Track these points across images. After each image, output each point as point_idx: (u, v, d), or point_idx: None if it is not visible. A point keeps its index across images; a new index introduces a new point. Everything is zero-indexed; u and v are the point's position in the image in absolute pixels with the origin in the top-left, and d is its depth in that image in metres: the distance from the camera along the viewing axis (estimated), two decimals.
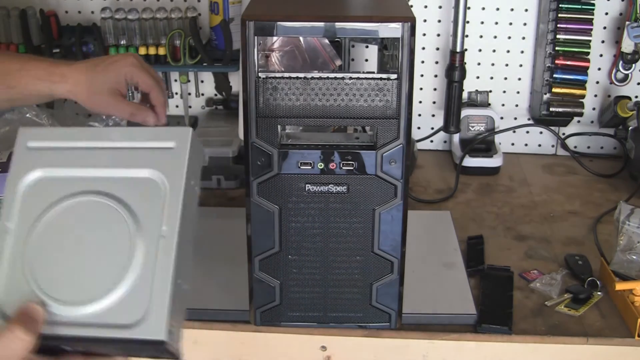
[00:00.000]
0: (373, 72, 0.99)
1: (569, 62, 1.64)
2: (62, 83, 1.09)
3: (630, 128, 1.60)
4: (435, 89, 1.76)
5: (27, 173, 0.74)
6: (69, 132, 0.77)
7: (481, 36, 1.71)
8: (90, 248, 0.70)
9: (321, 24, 0.96)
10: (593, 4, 1.62)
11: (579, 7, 1.62)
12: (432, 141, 1.78)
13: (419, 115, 1.77)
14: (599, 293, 1.22)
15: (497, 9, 1.68)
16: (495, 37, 1.71)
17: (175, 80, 1.74)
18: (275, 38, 1.08)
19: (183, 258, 0.70)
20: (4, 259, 0.71)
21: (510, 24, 1.69)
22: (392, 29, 0.96)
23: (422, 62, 1.73)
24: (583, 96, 1.66)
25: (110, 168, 0.72)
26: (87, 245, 0.70)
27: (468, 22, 1.65)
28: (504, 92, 1.75)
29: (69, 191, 0.72)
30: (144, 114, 1.11)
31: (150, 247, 0.70)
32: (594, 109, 1.74)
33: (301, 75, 0.98)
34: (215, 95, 1.79)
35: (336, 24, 0.96)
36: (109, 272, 0.69)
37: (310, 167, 1.02)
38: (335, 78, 0.98)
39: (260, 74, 0.98)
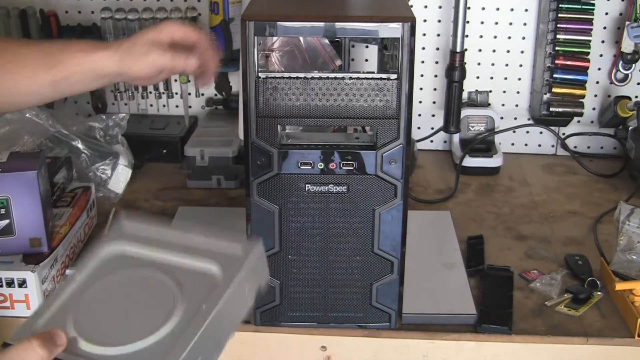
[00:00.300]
0: (373, 72, 0.99)
1: (569, 62, 1.64)
2: (105, 50, 1.06)
3: (630, 128, 1.60)
4: (435, 89, 1.76)
5: (112, 244, 0.82)
6: (163, 227, 0.85)
7: (481, 36, 1.71)
8: (133, 306, 0.77)
9: (321, 24, 0.96)
10: (593, 4, 1.62)
11: (579, 7, 1.62)
12: (432, 141, 1.78)
13: (419, 115, 1.77)
14: (599, 293, 1.22)
15: (497, 9, 1.68)
16: (495, 37, 1.71)
17: (175, 80, 1.73)
18: (275, 38, 1.08)
19: (211, 339, 0.76)
20: (58, 300, 0.77)
21: (510, 24, 1.69)
22: (392, 29, 0.96)
23: (422, 62, 1.73)
24: (583, 96, 1.66)
25: (180, 255, 0.80)
26: (131, 304, 0.77)
27: (468, 22, 1.65)
28: (504, 92, 1.75)
29: (134, 264, 0.80)
30: (182, 62, 1.06)
31: (185, 317, 0.75)
32: (594, 109, 1.74)
33: (301, 75, 0.98)
34: (215, 95, 1.79)
35: (336, 24, 0.96)
36: (140, 327, 0.75)
37: (310, 167, 1.02)
38: (335, 78, 0.98)
39: (260, 74, 0.98)
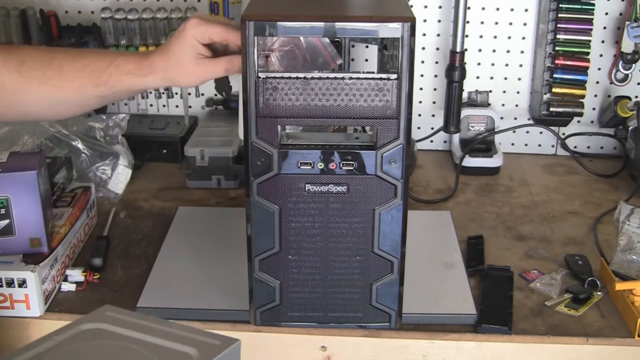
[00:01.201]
0: (373, 72, 0.99)
1: (569, 62, 1.64)
2: (152, 74, 1.09)
3: (630, 128, 1.60)
4: (435, 89, 1.76)
5: (92, 322, 0.82)
6: (145, 315, 0.84)
7: (481, 36, 1.71)
8: None
9: (321, 24, 0.96)
10: (593, 4, 1.62)
11: (579, 7, 1.62)
12: (432, 141, 1.78)
13: (419, 115, 1.77)
14: (599, 293, 1.22)
15: (497, 9, 1.68)
16: (495, 37, 1.71)
17: None
18: (275, 38, 1.08)
19: None
20: (31, 352, 0.77)
21: (510, 24, 1.69)
22: (392, 29, 0.96)
23: (422, 62, 1.73)
24: (583, 96, 1.66)
25: (161, 338, 0.79)
26: None
27: (468, 22, 1.65)
28: (504, 92, 1.75)
29: (117, 339, 0.80)
30: (237, 64, 1.08)
31: None
32: (594, 109, 1.74)
33: (301, 75, 0.98)
34: (215, 95, 1.79)
35: (336, 24, 0.96)
36: None
37: (310, 167, 1.01)
38: (335, 78, 0.98)
39: (260, 74, 0.98)
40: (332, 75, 0.98)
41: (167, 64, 1.09)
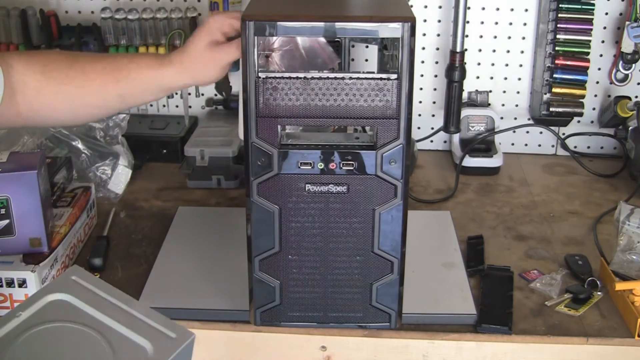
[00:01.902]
0: (373, 72, 0.99)
1: (569, 62, 1.64)
2: (170, 67, 1.11)
3: (630, 128, 1.60)
4: (435, 89, 1.76)
5: (57, 292, 0.83)
6: (110, 289, 0.85)
7: (481, 36, 1.71)
8: (69, 356, 0.78)
9: (321, 24, 0.96)
10: (593, 4, 1.62)
11: (579, 7, 1.62)
12: (432, 141, 1.78)
13: (419, 115, 1.77)
14: (599, 293, 1.22)
15: (497, 9, 1.68)
16: (495, 37, 1.71)
17: None
18: (274, 38, 1.08)
19: None
20: (3, 331, 0.78)
21: (510, 24, 1.69)
22: (392, 29, 0.96)
23: (422, 62, 1.73)
24: (583, 96, 1.66)
25: (119, 324, 0.80)
26: (65, 357, 0.78)
27: (468, 22, 1.65)
28: (504, 92, 1.75)
29: (79, 319, 0.81)
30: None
31: None
32: (594, 109, 1.74)
33: (301, 75, 0.98)
34: (215, 95, 1.79)
35: (336, 24, 0.96)
36: None
37: (310, 167, 1.02)
38: (335, 78, 0.98)
39: (260, 74, 0.98)
40: (332, 75, 0.98)
41: (183, 55, 1.10)
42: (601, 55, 1.69)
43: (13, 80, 1.07)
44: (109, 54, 1.18)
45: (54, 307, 0.81)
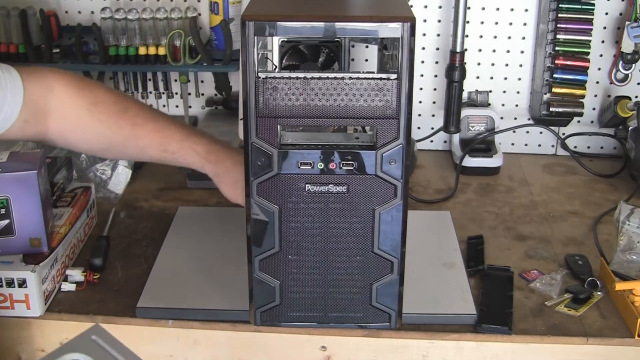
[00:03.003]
0: (373, 72, 0.99)
1: (569, 62, 1.65)
2: (215, 164, 1.17)
3: (630, 128, 1.60)
4: (435, 89, 1.76)
5: (75, 352, 0.82)
6: (128, 352, 0.84)
7: (481, 36, 1.71)
8: None
9: (321, 24, 0.96)
10: (593, 4, 1.62)
11: (579, 7, 1.62)
12: (432, 141, 1.78)
13: (419, 115, 1.77)
14: (599, 293, 1.22)
15: (497, 9, 1.68)
16: (495, 37, 1.71)
17: (175, 80, 1.73)
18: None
19: None
20: None
21: (510, 24, 1.69)
22: (392, 29, 0.96)
23: (422, 62, 1.73)
24: (583, 96, 1.66)
25: None
26: None
27: (468, 22, 1.65)
28: (504, 92, 1.75)
29: None
30: None
31: None
32: (594, 109, 1.74)
33: (301, 75, 0.98)
34: (215, 95, 1.79)
35: (336, 24, 0.96)
36: None
37: (310, 167, 1.01)
38: (335, 78, 0.98)
39: (259, 74, 0.98)
40: (332, 75, 0.98)
41: (230, 170, 1.16)
42: (601, 55, 1.69)
43: (51, 104, 1.08)
44: (157, 111, 1.21)
45: None
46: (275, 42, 1.19)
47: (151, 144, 1.16)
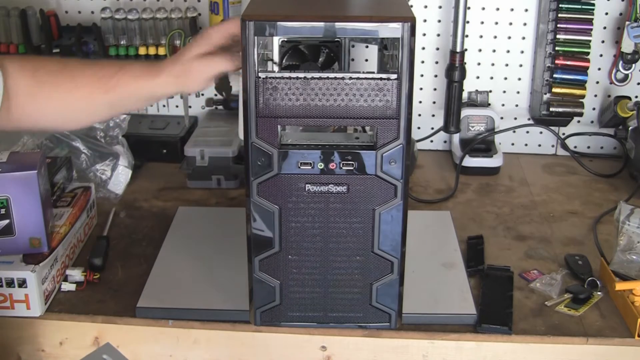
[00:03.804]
0: (373, 72, 0.99)
1: (569, 62, 1.65)
2: (159, 77, 1.09)
3: (630, 128, 1.60)
4: (435, 89, 1.76)
5: None
6: None
7: (481, 36, 1.71)
8: None
9: (321, 24, 0.96)
10: (593, 4, 1.62)
11: (579, 7, 1.62)
12: (432, 141, 1.78)
13: (419, 115, 1.77)
14: (599, 293, 1.22)
15: (497, 9, 1.68)
16: (495, 37, 1.71)
17: None
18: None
19: None
20: None
21: (510, 24, 1.69)
22: (392, 29, 0.96)
23: (422, 62, 1.73)
24: (583, 96, 1.67)
25: None
26: None
27: (468, 22, 1.65)
28: (504, 92, 1.75)
29: None
30: (237, 60, 1.07)
31: None
32: (594, 109, 1.74)
33: (301, 75, 0.98)
34: (215, 95, 1.79)
35: (336, 24, 0.96)
36: None
37: (310, 167, 1.01)
38: (335, 78, 0.98)
39: (260, 74, 0.98)
40: (332, 75, 0.98)
41: (175, 65, 1.09)
42: (601, 55, 1.69)
43: (6, 84, 1.07)
44: (100, 61, 1.16)
45: None
46: (275, 42, 1.18)
47: (94, 90, 1.10)
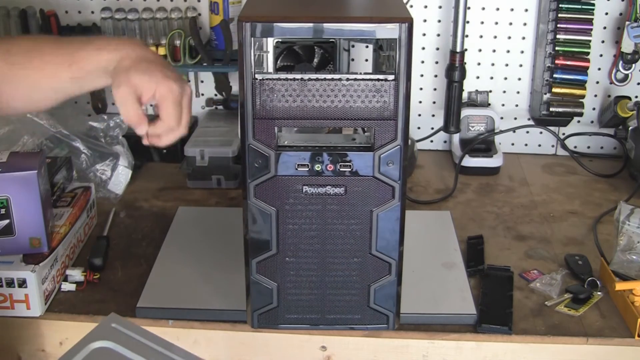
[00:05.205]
0: (370, 73, 0.99)
1: (569, 62, 1.64)
2: (116, 52, 1.04)
3: (630, 128, 1.60)
4: (435, 89, 1.76)
5: (100, 340, 0.83)
6: (149, 334, 0.85)
7: (481, 36, 1.70)
8: None
9: (319, 24, 0.96)
10: (593, 4, 1.61)
11: (579, 7, 1.62)
12: (432, 141, 1.78)
13: (419, 115, 1.77)
14: (599, 293, 1.22)
15: (497, 9, 1.68)
16: (495, 37, 1.70)
17: None
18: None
19: None
20: None
21: (510, 24, 1.69)
22: (389, 30, 0.96)
23: (422, 62, 1.73)
24: (583, 96, 1.66)
25: None
26: None
27: (468, 22, 1.65)
28: (504, 92, 1.75)
29: None
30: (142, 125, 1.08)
31: None
32: (594, 109, 1.74)
33: (298, 76, 0.98)
34: (215, 95, 1.79)
35: (334, 25, 0.96)
36: None
37: (307, 169, 1.01)
38: (333, 79, 0.98)
39: (256, 75, 0.98)
40: (329, 76, 0.98)
41: (123, 60, 1.03)
42: (601, 55, 1.69)
43: None
44: (71, 37, 1.12)
45: (99, 355, 0.81)
46: (270, 42, 1.18)
47: (59, 65, 1.06)
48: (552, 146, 1.77)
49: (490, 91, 1.73)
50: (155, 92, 1.02)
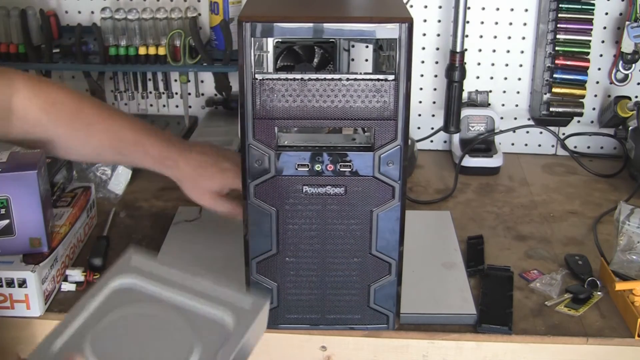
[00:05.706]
0: (370, 73, 0.99)
1: (569, 62, 1.64)
2: (172, 169, 1.17)
3: (630, 128, 1.60)
4: (435, 89, 1.76)
5: (123, 276, 0.81)
6: (173, 265, 0.83)
7: (481, 36, 1.71)
8: (150, 343, 0.76)
9: (319, 25, 0.96)
10: (593, 4, 1.61)
11: (579, 7, 1.62)
12: (432, 141, 1.78)
13: (419, 115, 1.77)
14: (599, 293, 1.22)
15: (497, 9, 1.68)
16: (495, 37, 1.70)
17: (175, 80, 1.74)
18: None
19: None
20: (72, 324, 0.76)
21: (510, 24, 1.69)
22: (389, 30, 0.96)
23: (422, 62, 1.73)
24: (583, 96, 1.66)
25: (192, 301, 0.79)
26: (148, 340, 0.77)
27: (468, 22, 1.65)
28: (504, 92, 1.75)
29: (152, 301, 0.80)
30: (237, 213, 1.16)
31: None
32: (594, 109, 1.74)
33: (298, 76, 0.98)
34: (215, 95, 1.79)
35: (334, 25, 0.96)
36: None
37: (307, 169, 1.01)
38: (333, 79, 0.98)
39: (256, 75, 0.98)
40: (329, 76, 0.98)
41: (190, 175, 1.17)
42: (601, 55, 1.69)
43: (13, 105, 1.08)
44: (113, 109, 1.19)
45: (124, 292, 0.79)
46: (270, 42, 1.18)
47: (104, 146, 1.15)
48: (552, 146, 1.77)
49: (490, 91, 1.73)
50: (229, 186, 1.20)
